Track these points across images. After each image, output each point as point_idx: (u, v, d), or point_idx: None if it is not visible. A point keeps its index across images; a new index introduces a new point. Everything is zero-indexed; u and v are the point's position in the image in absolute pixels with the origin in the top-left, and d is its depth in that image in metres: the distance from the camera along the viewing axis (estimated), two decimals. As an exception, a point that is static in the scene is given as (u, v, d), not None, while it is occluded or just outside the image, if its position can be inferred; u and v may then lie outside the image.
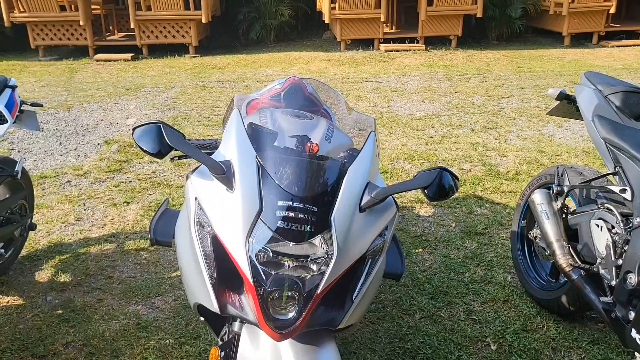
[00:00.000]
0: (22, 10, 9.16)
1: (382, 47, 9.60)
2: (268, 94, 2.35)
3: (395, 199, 1.78)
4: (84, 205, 4.00)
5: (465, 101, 6.55)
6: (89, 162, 4.78)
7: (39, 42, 9.46)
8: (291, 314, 1.52)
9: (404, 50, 9.54)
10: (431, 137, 5.35)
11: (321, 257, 1.54)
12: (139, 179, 4.42)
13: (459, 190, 1.70)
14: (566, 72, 7.98)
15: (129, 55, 9.27)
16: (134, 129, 1.64)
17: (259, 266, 1.51)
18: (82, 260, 3.29)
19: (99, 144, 5.24)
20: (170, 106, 6.41)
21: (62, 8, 9.36)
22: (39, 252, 3.38)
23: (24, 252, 3.33)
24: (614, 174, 2.27)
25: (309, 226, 1.53)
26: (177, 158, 1.87)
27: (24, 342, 2.60)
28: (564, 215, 2.55)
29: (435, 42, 9.87)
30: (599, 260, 2.24)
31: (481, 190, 4.17)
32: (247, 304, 1.58)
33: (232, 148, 1.67)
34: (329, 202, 1.59)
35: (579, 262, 2.35)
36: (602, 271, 2.21)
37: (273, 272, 1.51)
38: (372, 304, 2.85)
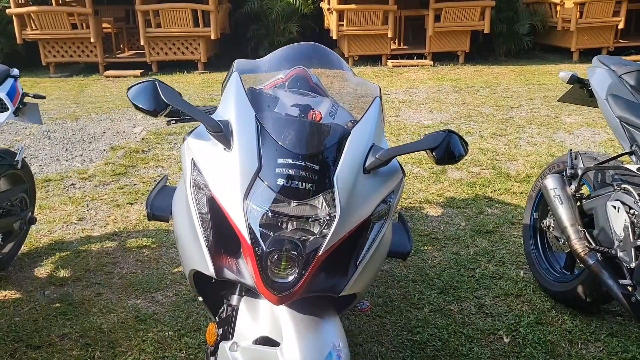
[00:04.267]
0: (34, 28, 9.28)
1: (390, 62, 9.61)
2: (271, 84, 2.29)
3: (402, 166, 1.70)
4: (87, 206, 3.95)
5: (474, 111, 6.49)
6: (94, 167, 4.75)
7: (50, 59, 9.55)
8: (291, 277, 1.44)
9: (411, 66, 9.53)
10: (440, 143, 5.27)
11: (323, 219, 1.46)
12: (143, 182, 4.37)
13: (467, 154, 1.62)
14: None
15: (138, 72, 9.32)
16: (128, 88, 1.59)
17: (257, 226, 1.43)
18: (82, 257, 3.22)
19: (105, 150, 5.22)
20: (177, 116, 6.39)
21: (74, 26, 9.48)
22: (39, 250, 3.32)
23: (24, 249, 3.27)
24: (630, 153, 2.19)
25: (310, 184, 1.45)
26: (173, 121, 1.81)
27: (19, 334, 2.52)
28: (578, 203, 2.45)
29: (442, 57, 9.86)
30: (616, 243, 2.14)
31: (491, 192, 4.07)
32: (244, 267, 1.50)
33: (230, 108, 1.61)
34: (331, 162, 1.52)
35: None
36: (620, 254, 2.11)
37: (272, 234, 1.43)
38: (377, 287, 2.75)
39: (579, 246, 2.27)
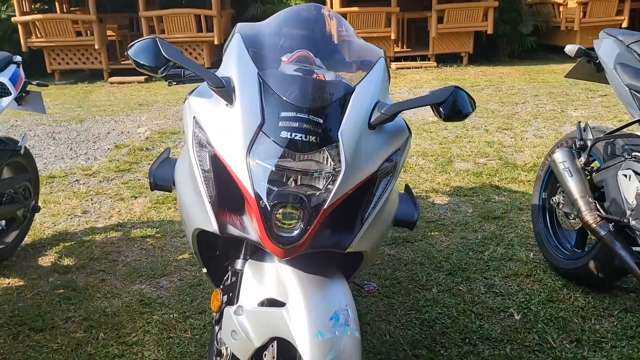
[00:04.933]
0: (39, 36, 9.34)
1: (393, 64, 9.60)
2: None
3: (409, 124, 1.67)
4: (92, 200, 3.93)
5: (479, 107, 6.45)
6: (99, 164, 4.74)
7: (55, 67, 9.61)
8: (296, 232, 1.40)
9: (415, 68, 9.53)
10: (445, 137, 5.24)
11: (328, 173, 1.42)
12: (147, 177, 4.34)
13: (475, 111, 1.59)
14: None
15: (142, 78, 9.35)
16: (129, 46, 1.57)
17: (260, 180, 1.40)
18: (86, 247, 3.20)
19: (109, 148, 5.21)
20: (181, 116, 6.39)
21: (78, 34, 9.55)
22: (43, 240, 3.30)
23: (27, 240, 3.25)
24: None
25: (314, 137, 1.42)
26: (175, 83, 1.78)
27: (22, 318, 2.49)
28: (588, 177, 2.41)
29: (446, 59, 9.85)
30: (628, 212, 2.10)
31: (498, 181, 4.03)
32: (248, 224, 1.47)
33: (232, 66, 1.58)
34: (336, 117, 1.49)
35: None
36: (632, 222, 2.06)
37: (276, 188, 1.40)
38: (384, 270, 2.71)
39: (590, 217, 2.22)
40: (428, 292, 2.60)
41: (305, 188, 1.43)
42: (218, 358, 1.67)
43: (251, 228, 1.46)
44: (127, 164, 4.69)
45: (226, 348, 1.61)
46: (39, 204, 3.30)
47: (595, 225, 2.20)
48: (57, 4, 10.69)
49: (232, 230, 1.47)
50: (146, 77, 9.39)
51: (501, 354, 2.15)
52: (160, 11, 9.38)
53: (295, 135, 1.41)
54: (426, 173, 4.24)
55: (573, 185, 2.33)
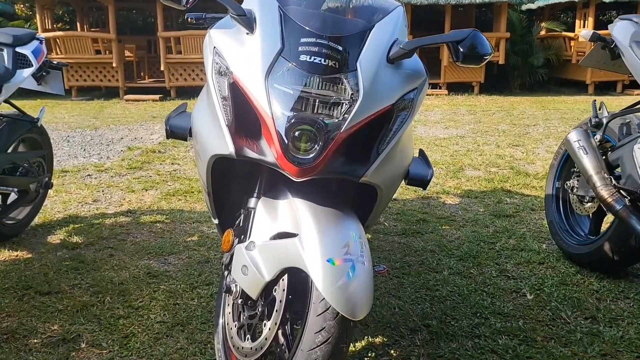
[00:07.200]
0: (59, 52, 9.57)
1: (405, 91, 9.69)
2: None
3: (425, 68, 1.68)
4: (103, 191, 3.95)
5: (490, 128, 6.49)
6: (111, 162, 4.78)
7: (73, 83, 9.80)
8: (311, 155, 1.40)
9: (426, 95, 9.62)
10: (456, 150, 5.25)
11: (346, 100, 1.43)
12: (159, 174, 4.38)
13: (492, 55, 1.60)
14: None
15: (157, 96, 9.52)
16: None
17: (278, 103, 1.40)
18: (96, 228, 3.19)
19: (122, 150, 5.26)
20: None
21: (97, 52, 9.77)
22: (53, 222, 3.30)
23: (37, 221, 3.25)
24: (655, 96, 2.15)
25: (333, 62, 1.43)
26: (194, 21, 1.80)
27: (28, 283, 2.47)
28: (603, 157, 2.40)
29: (457, 88, 9.96)
30: (644, 185, 2.08)
31: (510, 186, 4.01)
32: (265, 147, 1.47)
33: (253, 1, 1.61)
34: (355, 48, 1.50)
35: (623, 193, 2.18)
36: (649, 193, 2.04)
37: (293, 113, 1.41)
38: (394, 254, 2.67)
39: (605, 192, 2.20)
40: (439, 274, 2.56)
41: (323, 115, 1.43)
42: (227, 295, 1.64)
43: (268, 151, 1.46)
44: (139, 162, 4.72)
45: (236, 285, 1.59)
46: (51, 192, 3.31)
47: (611, 200, 2.17)
48: (78, 24, 11.00)
49: (248, 152, 1.47)
50: (161, 95, 9.56)
51: (513, 326, 2.10)
52: (177, 32, 9.60)
53: (315, 59, 1.43)
54: (437, 178, 4.23)
55: (588, 162, 2.32)
